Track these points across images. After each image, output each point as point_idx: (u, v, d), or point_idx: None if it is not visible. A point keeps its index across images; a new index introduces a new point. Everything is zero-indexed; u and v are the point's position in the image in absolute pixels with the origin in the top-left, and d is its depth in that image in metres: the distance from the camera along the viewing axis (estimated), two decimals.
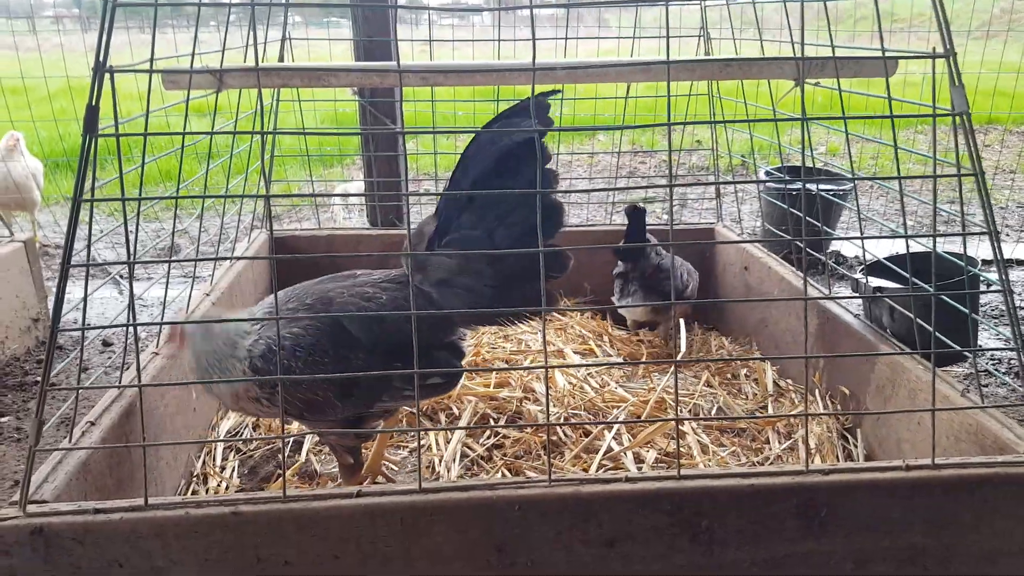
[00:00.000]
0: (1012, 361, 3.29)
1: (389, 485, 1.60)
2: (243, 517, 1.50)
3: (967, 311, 1.93)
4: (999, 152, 7.33)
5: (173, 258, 3.07)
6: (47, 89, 5.22)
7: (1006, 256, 4.78)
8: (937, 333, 1.90)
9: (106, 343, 3.59)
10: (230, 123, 2.88)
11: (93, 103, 1.49)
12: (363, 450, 2.16)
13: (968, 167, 1.70)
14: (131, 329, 1.63)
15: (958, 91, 1.64)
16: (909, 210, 5.53)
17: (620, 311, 3.22)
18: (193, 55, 2.16)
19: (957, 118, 1.66)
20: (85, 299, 1.71)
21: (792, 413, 2.48)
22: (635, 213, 3.05)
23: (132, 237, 1.68)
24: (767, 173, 5.03)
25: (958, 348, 1.92)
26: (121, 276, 4.57)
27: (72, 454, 1.73)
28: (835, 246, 4.96)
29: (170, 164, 5.46)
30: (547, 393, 1.74)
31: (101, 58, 1.48)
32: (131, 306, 1.72)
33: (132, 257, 1.76)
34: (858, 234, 2.27)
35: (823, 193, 4.58)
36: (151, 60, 1.68)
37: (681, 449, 2.33)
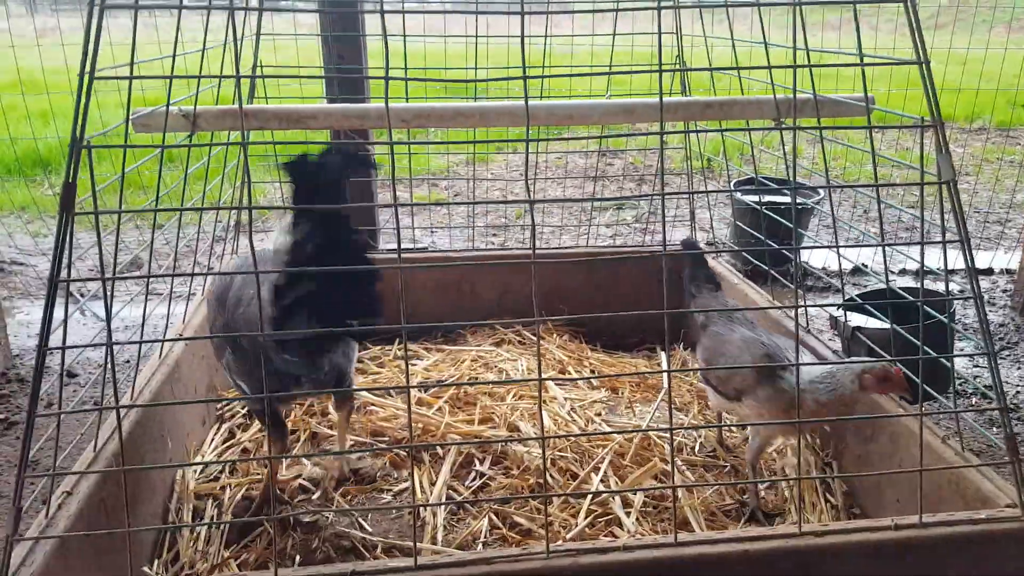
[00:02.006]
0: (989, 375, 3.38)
1: (383, 562, 1.57)
2: None
3: (947, 362, 1.96)
4: (960, 155, 7.49)
5: (145, 274, 2.95)
6: None
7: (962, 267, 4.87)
8: (918, 379, 1.93)
9: (71, 374, 3.48)
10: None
11: (70, 180, 1.42)
12: (277, 424, 2.28)
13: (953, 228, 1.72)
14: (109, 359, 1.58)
15: (944, 159, 1.66)
16: (878, 220, 5.64)
17: None
18: (169, 98, 2.08)
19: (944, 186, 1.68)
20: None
21: (783, 477, 2.47)
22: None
23: (109, 304, 1.61)
24: (736, 184, 5.07)
25: (942, 399, 1.95)
26: (82, 295, 4.44)
27: (51, 528, 1.67)
28: (802, 257, 5.03)
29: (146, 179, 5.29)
30: (544, 472, 1.72)
31: (77, 133, 1.41)
32: (109, 357, 1.66)
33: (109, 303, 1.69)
34: (826, 243, 2.30)
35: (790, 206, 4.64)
36: (126, 123, 1.61)
37: (666, 491, 2.34)
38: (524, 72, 1.54)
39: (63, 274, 1.45)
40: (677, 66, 3.24)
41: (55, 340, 1.52)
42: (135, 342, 1.56)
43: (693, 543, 1.63)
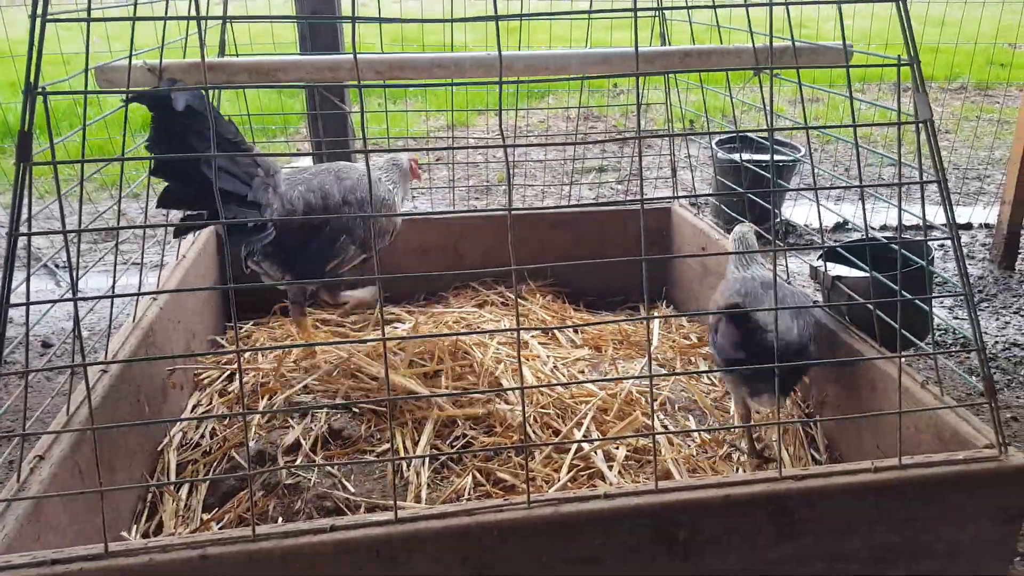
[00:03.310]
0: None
1: (364, 516, 1.56)
2: (212, 560, 1.44)
3: (925, 305, 1.96)
4: (940, 113, 7.49)
5: (113, 227, 2.89)
6: None
7: (943, 222, 4.89)
8: (896, 324, 1.93)
9: (46, 344, 3.43)
10: None
11: (25, 128, 1.37)
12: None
13: (930, 170, 1.71)
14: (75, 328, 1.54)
15: (922, 98, 1.64)
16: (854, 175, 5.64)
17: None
18: (132, 52, 2.01)
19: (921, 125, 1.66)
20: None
21: (764, 423, 2.48)
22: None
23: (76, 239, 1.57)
24: (718, 144, 5.05)
25: (921, 345, 1.95)
26: (57, 266, 4.36)
27: (23, 492, 1.64)
28: (784, 214, 5.03)
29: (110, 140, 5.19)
30: (524, 423, 1.71)
31: (32, 79, 1.36)
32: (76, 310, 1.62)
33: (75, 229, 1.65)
34: (807, 201, 2.29)
35: (772, 162, 4.63)
36: (86, 72, 1.55)
37: (647, 444, 2.34)
38: (496, 13, 1.50)
39: (23, 228, 1.41)
40: (655, 16, 3.19)
41: (18, 298, 1.47)
42: (105, 296, 1.52)
43: (674, 489, 1.63)
